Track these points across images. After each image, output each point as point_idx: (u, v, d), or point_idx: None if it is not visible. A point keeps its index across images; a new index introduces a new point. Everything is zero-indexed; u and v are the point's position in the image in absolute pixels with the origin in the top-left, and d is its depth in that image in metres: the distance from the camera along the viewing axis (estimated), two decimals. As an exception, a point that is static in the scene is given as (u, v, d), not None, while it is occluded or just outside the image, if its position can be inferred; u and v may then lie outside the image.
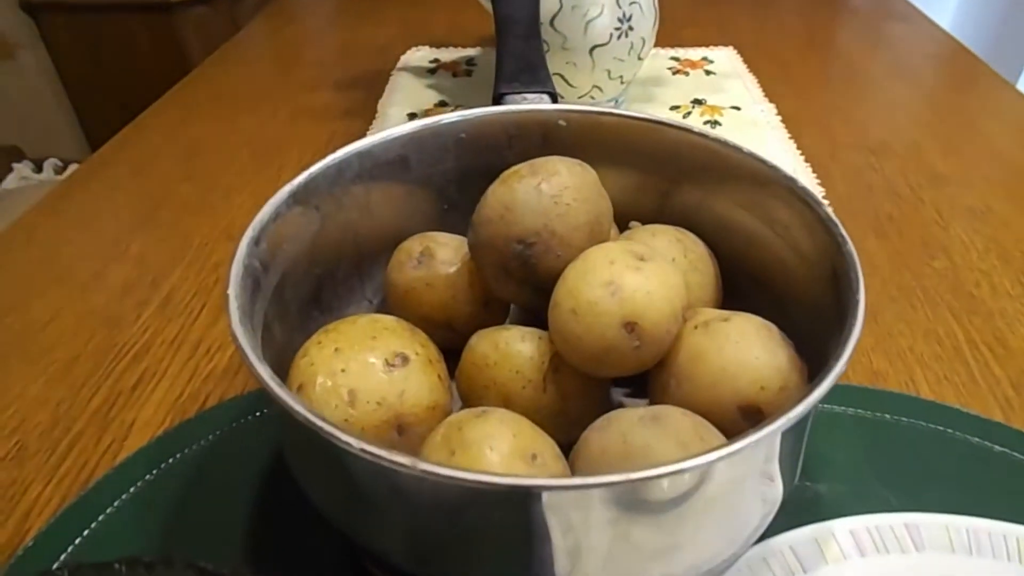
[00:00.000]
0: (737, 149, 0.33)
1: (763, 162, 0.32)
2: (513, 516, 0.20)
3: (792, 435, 0.24)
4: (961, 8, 1.89)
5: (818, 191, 0.54)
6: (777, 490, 0.25)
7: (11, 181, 1.34)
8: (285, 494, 0.33)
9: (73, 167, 1.34)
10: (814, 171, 0.57)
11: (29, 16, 1.53)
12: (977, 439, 0.35)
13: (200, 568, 0.22)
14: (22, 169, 1.36)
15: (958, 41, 0.83)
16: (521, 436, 0.25)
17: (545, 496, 0.19)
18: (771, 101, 0.67)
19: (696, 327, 0.29)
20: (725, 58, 0.76)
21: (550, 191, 0.30)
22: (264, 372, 0.22)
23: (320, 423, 0.20)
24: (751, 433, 0.20)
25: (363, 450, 0.19)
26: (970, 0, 1.89)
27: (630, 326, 0.27)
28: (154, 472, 0.34)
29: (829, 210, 0.28)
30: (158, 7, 1.50)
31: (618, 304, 0.27)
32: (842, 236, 0.27)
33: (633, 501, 0.20)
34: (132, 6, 1.50)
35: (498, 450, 0.24)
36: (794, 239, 0.31)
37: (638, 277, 0.27)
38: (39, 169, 1.38)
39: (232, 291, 0.25)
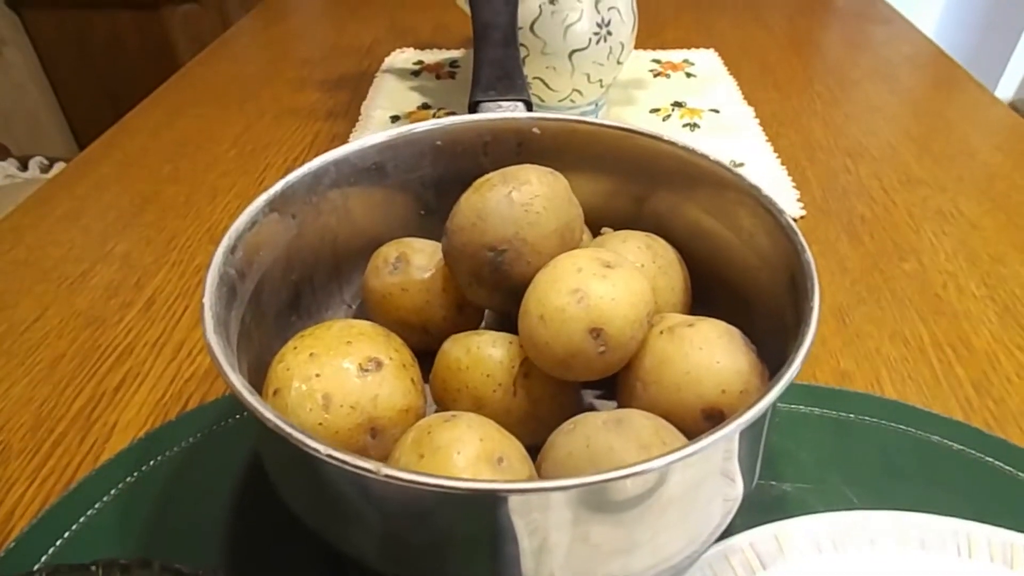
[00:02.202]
0: (704, 157, 0.34)
1: (728, 170, 0.33)
2: (478, 518, 0.21)
3: (749, 435, 0.25)
4: (946, 15, 1.92)
5: (793, 193, 0.55)
6: (737, 489, 0.26)
7: (-2, 178, 1.33)
8: (265, 496, 0.33)
9: (59, 165, 1.34)
10: (790, 173, 0.58)
11: (14, 12, 1.52)
12: (937, 437, 0.36)
13: (176, 570, 0.23)
14: (7, 167, 1.35)
15: (937, 46, 0.84)
16: (488, 440, 0.26)
17: (508, 499, 0.20)
18: (751, 104, 0.68)
19: (662, 332, 0.30)
20: (706, 61, 0.77)
21: (521, 200, 0.31)
22: (235, 379, 0.22)
23: (289, 429, 0.21)
24: (708, 435, 0.21)
25: (330, 456, 0.20)
26: (953, 7, 1.91)
27: (596, 332, 0.28)
28: (135, 474, 0.35)
29: (789, 218, 0.29)
30: (146, 3, 1.49)
31: (584, 311, 0.28)
32: (801, 244, 0.28)
33: (594, 503, 0.21)
34: (119, 2, 1.49)
35: (465, 454, 0.25)
36: (758, 245, 0.32)
37: (604, 285, 0.28)
38: (24, 167, 1.37)
39: (207, 300, 0.25)
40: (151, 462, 0.36)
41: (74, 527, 0.33)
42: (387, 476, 0.19)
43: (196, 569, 0.23)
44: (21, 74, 1.53)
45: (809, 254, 0.27)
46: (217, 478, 0.35)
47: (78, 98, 1.58)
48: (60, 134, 1.59)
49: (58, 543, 0.32)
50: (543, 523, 0.21)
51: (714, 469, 0.24)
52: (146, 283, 0.48)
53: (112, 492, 0.34)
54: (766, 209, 0.31)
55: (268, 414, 0.21)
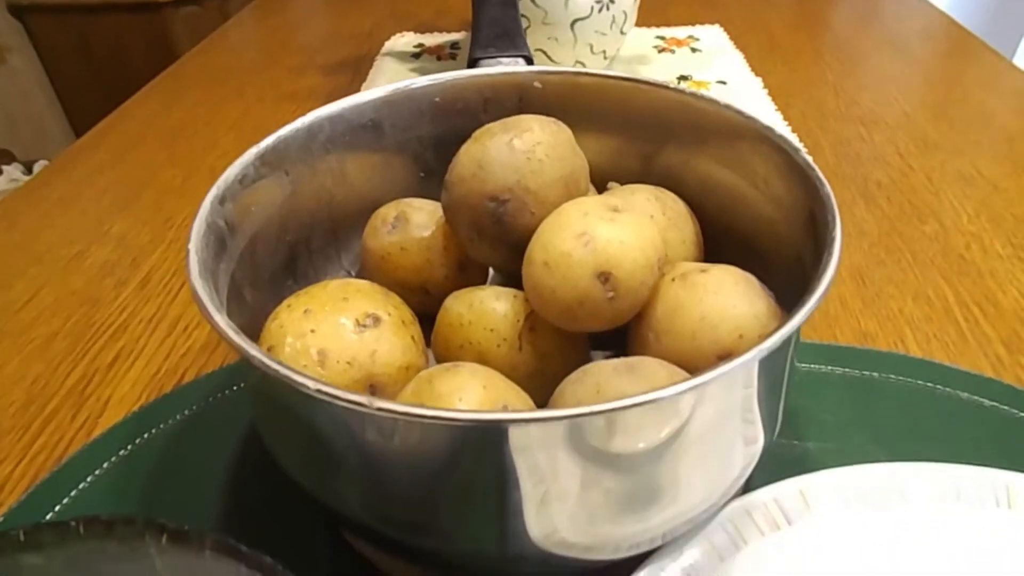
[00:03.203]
0: (714, 102, 0.32)
1: (739, 113, 0.31)
2: (476, 458, 0.20)
3: (769, 370, 0.23)
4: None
5: (806, 160, 0.54)
6: (758, 434, 0.24)
7: (1, 183, 1.33)
8: (259, 465, 0.32)
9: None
10: (802, 140, 0.56)
11: (17, 19, 1.53)
12: (967, 394, 0.35)
13: (160, 526, 0.21)
14: (12, 171, 1.35)
15: (949, 16, 0.82)
16: (492, 388, 0.24)
17: (508, 431, 0.18)
18: (758, 75, 0.67)
19: (674, 279, 0.28)
20: (711, 35, 0.75)
21: (522, 147, 0.30)
22: (220, 320, 0.21)
23: (276, 366, 0.19)
24: (725, 364, 0.19)
25: (319, 391, 0.18)
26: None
27: (604, 276, 0.26)
28: (128, 447, 0.34)
29: (806, 156, 0.28)
30: (147, 7, 1.49)
31: (591, 254, 0.26)
32: (819, 179, 0.26)
33: (603, 439, 0.20)
34: (121, 6, 1.49)
35: (467, 401, 0.23)
36: (773, 191, 0.30)
37: (612, 228, 0.27)
38: (29, 171, 1.37)
39: (193, 245, 0.24)
40: (145, 435, 0.34)
41: (65, 500, 0.31)
42: (379, 409, 0.18)
43: (180, 526, 0.21)
44: (26, 80, 1.53)
45: (828, 188, 0.26)
46: (212, 449, 0.33)
47: (82, 102, 1.58)
48: (64, 138, 1.59)
49: (48, 517, 0.31)
50: (547, 464, 0.20)
51: (733, 406, 0.22)
52: (142, 262, 0.46)
53: (104, 465, 0.33)
54: (780, 149, 0.29)
55: (255, 352, 0.20)
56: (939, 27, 0.81)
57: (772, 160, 0.30)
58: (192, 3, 1.52)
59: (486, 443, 0.19)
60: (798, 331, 0.22)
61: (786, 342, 0.21)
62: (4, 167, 1.32)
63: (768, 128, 0.30)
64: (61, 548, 0.21)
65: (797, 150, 0.28)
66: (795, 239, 0.29)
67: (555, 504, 0.21)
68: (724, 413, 0.22)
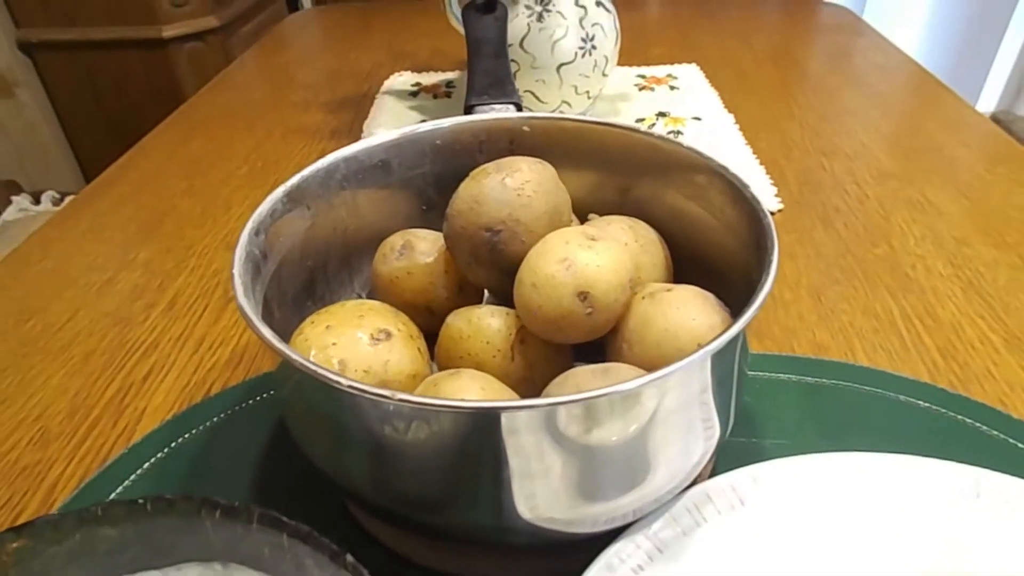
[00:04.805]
0: (677, 144, 0.37)
1: (698, 154, 0.36)
2: (476, 441, 0.24)
3: (718, 368, 0.27)
4: (927, 35, 1.99)
5: (771, 189, 0.59)
6: (713, 424, 0.29)
7: (10, 213, 1.38)
8: (282, 465, 0.37)
9: (71, 199, 1.38)
10: (768, 171, 0.62)
11: (26, 55, 1.58)
12: (905, 397, 0.39)
13: (215, 502, 0.26)
14: (21, 202, 1.40)
15: (907, 55, 0.88)
16: (489, 389, 0.29)
17: (503, 418, 0.23)
18: (730, 111, 0.72)
19: (644, 297, 0.33)
20: (688, 74, 0.81)
21: (513, 185, 0.35)
22: (265, 330, 0.26)
23: (313, 366, 0.24)
24: (681, 360, 0.24)
25: (351, 387, 0.23)
26: (934, 28, 1.99)
27: (583, 295, 0.31)
28: (165, 451, 0.38)
29: (752, 191, 0.33)
30: (153, 43, 1.55)
31: (572, 276, 0.31)
32: (763, 211, 0.31)
33: (579, 425, 0.24)
34: (127, 42, 1.55)
35: (468, 398, 0.28)
36: (728, 219, 0.35)
37: (589, 253, 0.32)
38: (37, 201, 1.42)
39: (236, 270, 0.29)
40: (179, 440, 0.39)
41: (111, 497, 0.36)
42: (401, 400, 0.22)
43: (232, 502, 0.26)
44: (33, 113, 1.59)
45: (770, 219, 0.31)
46: (242, 450, 0.38)
47: (87, 135, 1.64)
48: (69, 170, 1.65)
49: (98, 509, 0.35)
50: (534, 446, 0.24)
51: (690, 399, 0.27)
52: (168, 286, 0.51)
53: (144, 466, 0.37)
54: (732, 184, 0.34)
55: (297, 357, 0.24)
56: (897, 64, 0.87)
57: (726, 193, 0.35)
58: (196, 39, 1.58)
59: (483, 428, 0.24)
60: (742, 335, 0.27)
61: (731, 343, 0.25)
62: (13, 197, 1.37)
63: (722, 167, 0.35)
64: (131, 522, 0.26)
65: (746, 186, 0.33)
66: (747, 261, 0.34)
67: (539, 481, 0.25)
68: (682, 404, 0.26)
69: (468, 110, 0.43)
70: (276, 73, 0.93)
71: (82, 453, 0.38)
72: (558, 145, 0.41)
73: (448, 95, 0.79)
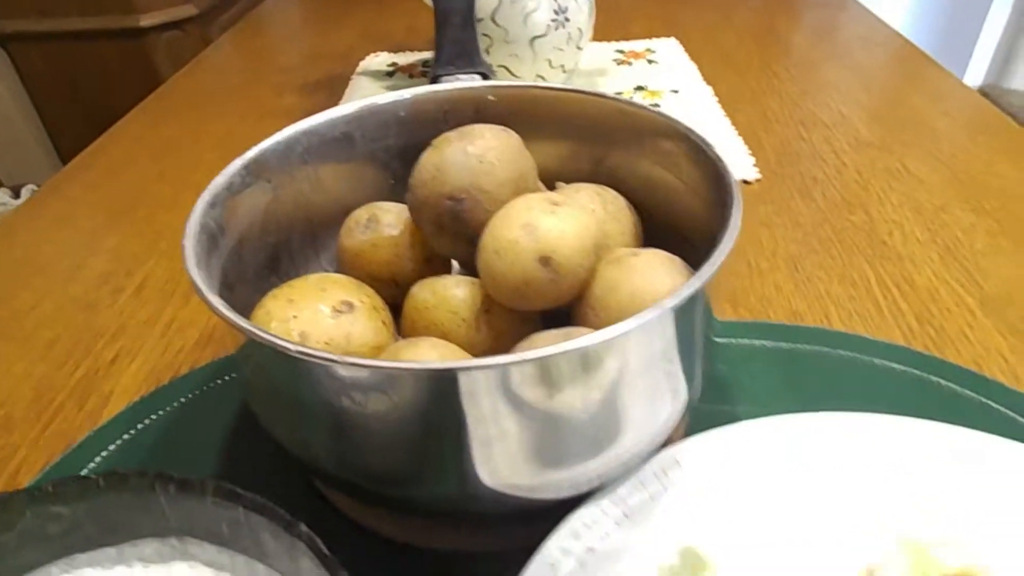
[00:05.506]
0: (644, 108, 0.37)
1: (665, 117, 0.36)
2: (434, 404, 0.24)
3: (681, 326, 0.27)
4: (912, 12, 1.99)
5: (749, 160, 0.58)
6: (679, 386, 0.28)
7: (-9, 207, 1.36)
8: (250, 445, 0.36)
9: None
10: (746, 143, 0.61)
11: (1, 47, 1.56)
12: (880, 360, 0.39)
13: (168, 476, 0.25)
14: (1, 196, 1.38)
15: (889, 26, 0.88)
16: (447, 356, 0.29)
17: (459, 378, 0.22)
18: (709, 84, 0.72)
19: (609, 263, 0.33)
20: (668, 48, 0.80)
21: (475, 152, 0.34)
22: (215, 301, 0.25)
23: (263, 334, 0.23)
24: (640, 315, 0.24)
25: (300, 352, 0.22)
26: (920, 2, 1.98)
27: (545, 260, 0.30)
28: (131, 432, 0.38)
29: (717, 150, 0.32)
30: (130, 32, 1.53)
31: (534, 241, 0.30)
32: (724, 168, 0.31)
33: (536, 384, 0.23)
34: (104, 32, 1.53)
35: (427, 366, 0.27)
36: (694, 182, 0.35)
37: (552, 219, 0.31)
38: (17, 195, 1.40)
39: (188, 240, 0.28)
40: (145, 422, 0.38)
41: (75, 479, 0.35)
42: (352, 363, 0.22)
43: (188, 477, 0.25)
44: (8, 106, 1.56)
45: (732, 176, 0.30)
46: (209, 431, 0.37)
47: (66, 127, 1.61)
48: (49, 162, 1.62)
49: (61, 492, 0.34)
50: (490, 408, 0.23)
51: (653, 357, 0.26)
52: (136, 271, 0.50)
53: (110, 448, 0.37)
54: (696, 145, 0.33)
55: (245, 324, 0.24)
56: (880, 35, 0.87)
57: (690, 155, 0.34)
58: (174, 28, 1.56)
59: (438, 391, 0.23)
60: (703, 292, 0.26)
61: (691, 300, 0.25)
62: (-8, 192, 1.35)
63: (687, 128, 0.34)
64: (84, 500, 0.25)
65: (709, 145, 0.33)
66: (711, 223, 0.33)
67: (499, 445, 0.25)
68: (643, 364, 0.26)
69: (434, 80, 0.43)
70: (252, 56, 0.92)
71: (47, 437, 0.38)
72: (525, 114, 0.40)
73: (424, 74, 0.78)
